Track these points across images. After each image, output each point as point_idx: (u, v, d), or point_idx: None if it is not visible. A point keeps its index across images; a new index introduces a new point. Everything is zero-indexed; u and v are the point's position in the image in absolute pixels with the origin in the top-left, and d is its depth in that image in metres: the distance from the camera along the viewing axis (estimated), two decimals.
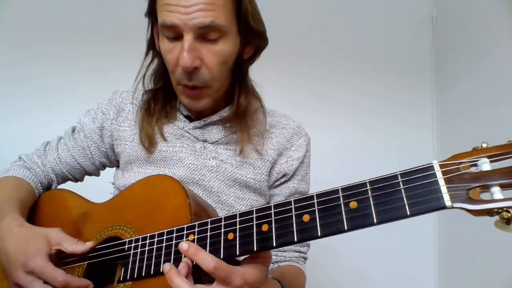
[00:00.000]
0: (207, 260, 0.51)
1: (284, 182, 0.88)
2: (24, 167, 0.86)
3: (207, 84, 0.75)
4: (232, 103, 0.84)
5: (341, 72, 1.83)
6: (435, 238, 1.72)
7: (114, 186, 0.92)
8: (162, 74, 0.85)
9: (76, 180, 0.93)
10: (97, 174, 0.95)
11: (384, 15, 1.88)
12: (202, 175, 0.81)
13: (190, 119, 0.85)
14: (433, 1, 1.88)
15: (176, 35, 0.72)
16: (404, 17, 1.89)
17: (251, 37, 0.79)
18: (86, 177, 0.95)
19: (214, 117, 0.83)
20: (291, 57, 1.75)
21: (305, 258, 0.89)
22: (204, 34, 0.71)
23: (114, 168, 0.94)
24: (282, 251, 0.85)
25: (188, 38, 0.70)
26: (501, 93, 1.35)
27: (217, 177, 0.81)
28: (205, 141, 0.83)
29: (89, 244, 0.67)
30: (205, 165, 0.82)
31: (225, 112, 0.84)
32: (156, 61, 0.85)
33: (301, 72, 1.79)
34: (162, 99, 0.86)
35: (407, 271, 1.68)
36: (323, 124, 1.72)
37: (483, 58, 1.47)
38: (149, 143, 0.82)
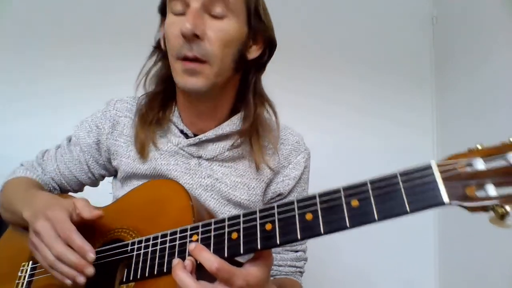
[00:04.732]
0: (210, 261, 0.52)
1: (279, 200, 0.85)
2: (28, 170, 0.89)
3: (208, 59, 0.71)
4: (241, 114, 0.81)
5: (341, 72, 1.83)
6: (435, 238, 1.72)
7: (112, 195, 0.91)
8: (164, 77, 0.82)
9: (75, 191, 0.92)
10: (96, 185, 0.94)
11: (384, 15, 1.89)
12: (198, 195, 0.79)
13: (185, 134, 0.82)
14: (433, 1, 1.89)
15: (184, 6, 0.71)
16: (404, 17, 1.89)
17: (260, 31, 0.77)
18: None
19: (210, 134, 0.79)
20: (290, 58, 1.73)
21: (301, 272, 0.88)
22: (211, 5, 0.70)
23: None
24: (278, 266, 0.84)
25: (194, 5, 0.69)
26: (501, 93, 1.36)
27: (212, 196, 0.80)
28: (200, 157, 0.80)
29: (96, 212, 0.66)
30: (200, 184, 0.79)
31: (221, 130, 0.80)
32: (160, 64, 0.84)
33: (301, 72, 1.79)
34: (159, 104, 0.82)
35: (407, 271, 1.68)
36: (324, 125, 1.73)
37: (483, 58, 1.48)
38: (141, 150, 0.80)
